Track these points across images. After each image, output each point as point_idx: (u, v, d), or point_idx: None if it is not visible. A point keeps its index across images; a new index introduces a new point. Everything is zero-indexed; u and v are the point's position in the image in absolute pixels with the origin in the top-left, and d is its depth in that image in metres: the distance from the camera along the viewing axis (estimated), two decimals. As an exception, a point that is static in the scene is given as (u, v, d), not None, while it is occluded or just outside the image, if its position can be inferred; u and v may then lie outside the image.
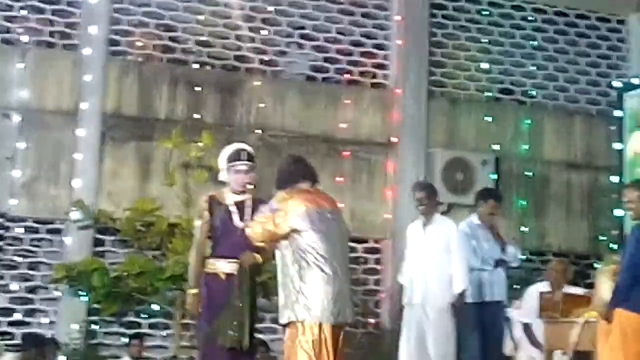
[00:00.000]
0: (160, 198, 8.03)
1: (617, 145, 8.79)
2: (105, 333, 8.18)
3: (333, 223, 4.66)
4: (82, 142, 8.28)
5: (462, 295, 6.31)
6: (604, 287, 5.69)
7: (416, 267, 6.35)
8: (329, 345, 4.49)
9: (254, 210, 5.06)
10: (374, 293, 8.95)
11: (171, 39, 8.84)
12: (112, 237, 8.24)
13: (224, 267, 5.01)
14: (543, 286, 6.87)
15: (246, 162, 5.18)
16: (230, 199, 5.18)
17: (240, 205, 5.15)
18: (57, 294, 8.08)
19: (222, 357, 4.86)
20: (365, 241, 9.03)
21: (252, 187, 5.21)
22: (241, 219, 5.09)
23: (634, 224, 5.53)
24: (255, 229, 4.68)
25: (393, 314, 8.61)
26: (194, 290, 5.06)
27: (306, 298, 4.48)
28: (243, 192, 5.19)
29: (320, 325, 4.48)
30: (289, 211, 4.57)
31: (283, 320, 4.60)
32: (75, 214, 8.00)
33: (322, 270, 4.51)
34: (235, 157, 5.22)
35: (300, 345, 4.47)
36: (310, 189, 4.76)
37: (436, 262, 6.32)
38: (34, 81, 8.30)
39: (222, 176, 5.28)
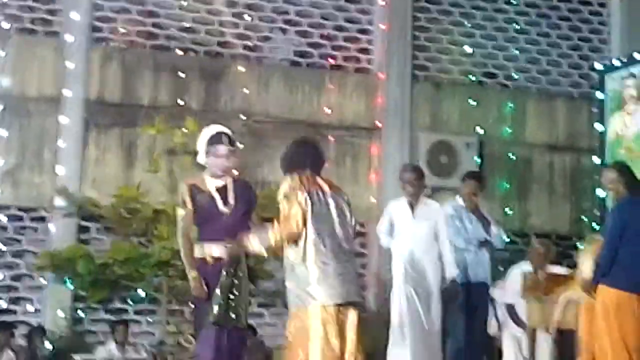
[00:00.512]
0: (144, 184, 8.02)
1: (598, 127, 8.85)
2: (91, 320, 8.19)
3: (333, 207, 4.71)
4: (66, 129, 8.25)
5: (454, 281, 6.35)
6: (587, 266, 5.76)
7: (405, 249, 6.38)
8: (333, 325, 4.52)
9: (237, 193, 5.03)
10: (359, 276, 8.97)
11: (154, 25, 8.81)
12: (97, 224, 8.23)
13: (211, 251, 4.92)
14: (526, 267, 6.93)
15: (227, 147, 5.04)
16: (211, 184, 5.05)
17: (222, 190, 5.04)
18: (42, 281, 8.07)
19: (218, 337, 4.81)
20: (351, 225, 9.05)
21: (236, 173, 5.17)
22: (225, 203, 5.01)
23: (614, 203, 5.60)
24: (277, 236, 4.59)
25: (379, 296, 8.66)
26: (194, 273, 4.90)
27: (310, 282, 4.55)
28: (223, 176, 5.06)
29: (325, 307, 4.52)
30: (301, 205, 4.60)
31: (292, 308, 4.65)
32: (59, 202, 7.98)
33: (323, 254, 4.58)
34: (216, 140, 5.05)
35: (309, 329, 4.52)
36: (312, 175, 4.75)
37: (425, 245, 6.35)
38: (16, 68, 8.26)
39: (201, 159, 5.14)
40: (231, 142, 5.09)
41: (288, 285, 4.67)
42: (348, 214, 4.80)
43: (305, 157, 4.83)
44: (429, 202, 6.52)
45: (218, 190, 5.04)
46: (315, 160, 4.86)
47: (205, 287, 4.87)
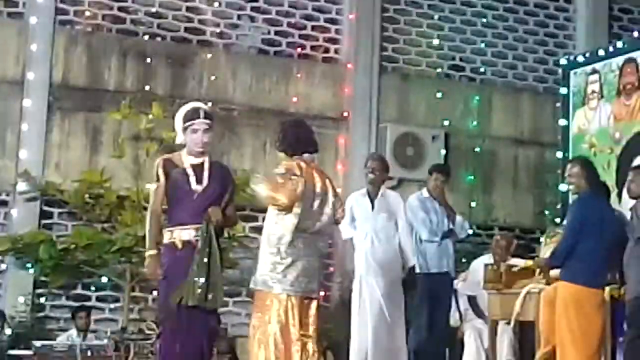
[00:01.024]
0: (109, 170, 7.96)
1: (562, 122, 8.96)
2: (53, 306, 8.11)
3: (317, 203, 4.93)
4: (29, 113, 8.14)
5: (412, 269, 6.44)
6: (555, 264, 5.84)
7: (366, 241, 6.42)
8: (295, 315, 4.80)
9: (212, 173, 4.84)
10: (323, 266, 9.01)
11: (121, 9, 8.71)
12: (60, 209, 8.14)
13: (180, 234, 4.72)
14: (488, 259, 7.01)
15: (204, 121, 4.85)
16: (187, 161, 4.85)
17: (197, 169, 4.83)
18: (2, 266, 7.97)
19: (182, 319, 4.64)
20: (316, 215, 9.07)
21: (207, 148, 4.89)
22: (198, 182, 4.79)
23: (574, 198, 5.69)
24: (281, 191, 4.78)
25: (343, 286, 8.70)
26: (151, 252, 4.74)
27: (281, 270, 4.80)
28: (201, 154, 4.87)
29: (288, 297, 4.81)
30: (298, 185, 4.80)
31: (255, 285, 4.88)
32: (21, 186, 7.88)
33: (298, 248, 4.83)
34: (192, 115, 4.87)
35: (269, 314, 4.78)
36: (310, 163, 4.98)
37: (385, 236, 6.41)
38: (-21, 50, 8.12)
39: (179, 138, 4.95)
40: (207, 116, 4.90)
41: (259, 265, 4.88)
42: (329, 211, 4.97)
43: (301, 140, 5.00)
44: (388, 192, 6.58)
45: (193, 167, 4.84)
46: (311, 142, 5.05)
47: (159, 270, 4.72)
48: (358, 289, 6.40)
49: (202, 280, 4.61)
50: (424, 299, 6.52)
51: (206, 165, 4.87)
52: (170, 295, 4.67)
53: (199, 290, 4.60)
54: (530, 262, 6.34)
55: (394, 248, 6.42)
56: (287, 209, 4.82)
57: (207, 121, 4.88)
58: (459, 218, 6.79)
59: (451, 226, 6.70)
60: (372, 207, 6.45)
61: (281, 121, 5.36)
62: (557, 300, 5.51)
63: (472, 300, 7.12)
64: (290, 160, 4.97)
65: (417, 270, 6.54)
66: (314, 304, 4.94)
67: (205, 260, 4.62)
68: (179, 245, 4.73)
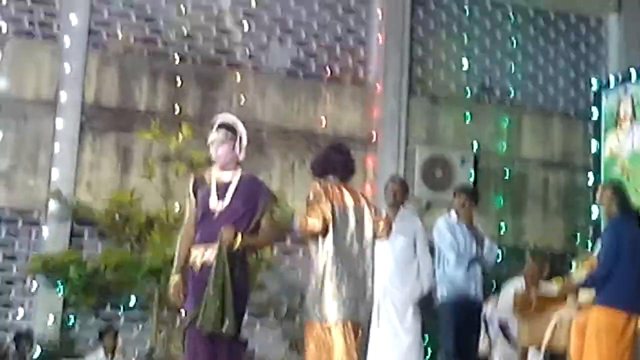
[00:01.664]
0: (139, 190, 8.00)
1: (594, 145, 8.86)
2: (81, 326, 8.14)
3: (353, 223, 4.78)
4: (61, 133, 8.24)
5: (430, 294, 6.36)
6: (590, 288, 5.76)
7: (384, 265, 6.36)
8: (340, 343, 4.65)
9: (238, 190, 4.58)
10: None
11: (152, 31, 8.80)
12: (90, 229, 8.20)
13: (198, 255, 4.56)
14: (519, 283, 6.92)
15: (215, 133, 4.62)
16: (213, 178, 4.62)
17: (222, 185, 4.58)
18: (33, 285, 8.03)
19: (203, 345, 4.48)
20: (344, 236, 9.04)
21: (226, 161, 4.63)
22: (220, 199, 4.54)
23: (606, 221, 5.63)
24: (311, 218, 4.65)
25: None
26: (176, 277, 4.58)
27: (324, 298, 4.67)
28: (227, 168, 4.62)
29: (334, 325, 4.66)
30: (324, 211, 4.69)
31: (307, 317, 4.77)
32: (52, 205, 7.95)
33: (338, 274, 4.69)
34: (211, 128, 4.70)
35: (313, 343, 4.67)
36: (338, 184, 4.82)
37: (403, 259, 6.35)
38: (13, 71, 8.25)
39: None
40: (222, 127, 4.66)
41: (307, 296, 4.80)
42: (366, 231, 4.83)
43: (336, 164, 4.87)
44: (406, 215, 6.50)
45: (219, 184, 4.60)
46: (345, 168, 4.91)
47: (181, 295, 4.57)
48: (376, 313, 6.32)
49: (217, 304, 4.42)
50: (452, 324, 6.42)
51: (234, 181, 4.61)
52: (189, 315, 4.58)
53: (213, 316, 4.42)
54: (560, 281, 6.25)
55: (413, 272, 6.34)
56: (322, 232, 4.70)
57: (219, 133, 4.65)
58: (487, 241, 6.70)
59: (480, 251, 6.62)
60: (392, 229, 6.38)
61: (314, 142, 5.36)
62: (588, 325, 5.43)
63: (503, 325, 7.02)
64: (316, 182, 4.87)
65: (445, 294, 6.45)
66: (360, 329, 4.73)
67: (220, 283, 4.43)
68: (197, 267, 4.57)
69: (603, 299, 5.38)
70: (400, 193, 6.47)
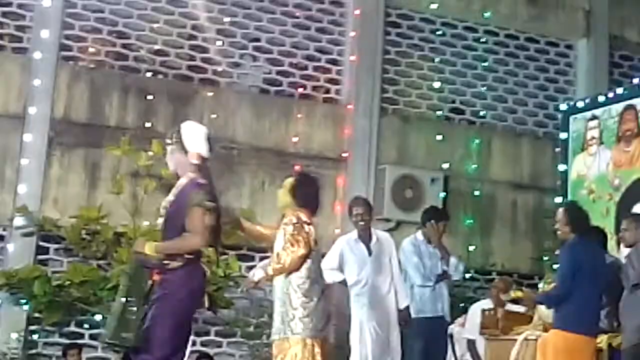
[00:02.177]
0: (107, 206, 7.93)
1: (561, 167, 8.95)
2: (45, 343, 8.03)
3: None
4: (29, 147, 8.15)
5: (406, 310, 6.41)
6: (545, 306, 5.80)
7: (365, 287, 6.38)
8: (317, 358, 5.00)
9: (176, 195, 4.52)
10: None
11: (124, 46, 8.77)
12: (56, 245, 8.11)
13: None
14: (486, 304, 6.96)
15: (166, 142, 4.67)
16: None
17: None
18: (-4, 301, 7.91)
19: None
20: (314, 255, 9.03)
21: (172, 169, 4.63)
22: (165, 207, 4.55)
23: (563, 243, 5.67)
24: (289, 260, 5.06)
25: (339, 329, 8.61)
26: None
27: (302, 314, 5.03)
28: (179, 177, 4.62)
29: (304, 340, 5.02)
30: (310, 236, 5.12)
31: (275, 336, 5.10)
32: (18, 220, 7.86)
33: (311, 291, 5.08)
34: None
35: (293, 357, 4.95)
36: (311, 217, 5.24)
37: (383, 278, 6.37)
38: (-19, 84, 8.16)
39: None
40: (170, 136, 4.66)
41: (278, 317, 5.13)
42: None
43: (314, 197, 5.33)
44: (380, 235, 6.56)
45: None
46: (318, 199, 5.38)
47: None
48: (358, 335, 6.33)
49: (114, 316, 4.42)
50: (419, 343, 6.45)
51: (179, 185, 4.57)
52: None
53: (112, 326, 4.41)
54: (520, 292, 6.31)
55: (392, 291, 6.40)
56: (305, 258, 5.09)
57: (167, 142, 4.68)
58: (453, 260, 6.75)
59: (445, 268, 6.67)
60: (369, 253, 6.41)
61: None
62: (547, 348, 5.45)
63: (470, 345, 7.04)
64: (301, 214, 5.22)
65: (412, 314, 6.49)
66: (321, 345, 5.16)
67: (122, 295, 4.42)
68: None
69: (561, 323, 5.40)
70: (368, 214, 6.51)
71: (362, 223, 6.45)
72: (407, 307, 6.47)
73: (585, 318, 5.35)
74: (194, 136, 4.64)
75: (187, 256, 4.43)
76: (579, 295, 5.33)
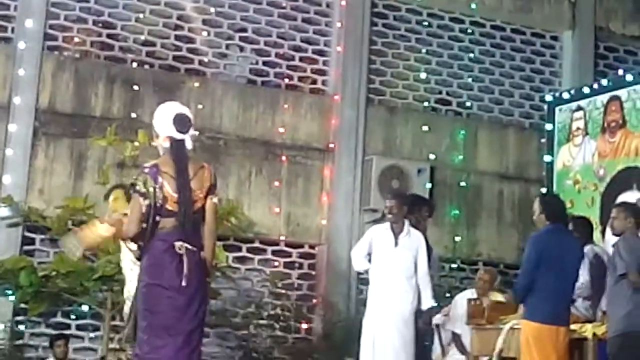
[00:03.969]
0: (93, 197, 7.88)
1: (547, 158, 9.00)
2: (32, 334, 8.01)
3: None
4: (14, 138, 8.11)
5: (429, 311, 6.40)
6: (513, 300, 5.84)
7: (386, 276, 6.36)
8: None
9: None
10: (307, 298, 8.97)
11: (110, 36, 8.72)
12: (42, 236, 8.08)
13: None
14: (471, 294, 6.99)
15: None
16: None
17: None
18: (-18, 292, 7.87)
19: None
20: (301, 246, 9.05)
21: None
22: None
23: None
24: None
25: (326, 319, 8.64)
26: None
27: None
28: None
29: None
30: None
31: None
32: (3, 211, 7.81)
33: None
34: None
35: None
36: None
37: (405, 273, 6.36)
38: (-35, 73, 8.10)
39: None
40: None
41: None
42: None
43: None
44: (412, 231, 6.49)
45: None
46: None
47: None
48: (371, 322, 6.32)
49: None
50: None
51: None
52: None
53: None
54: (501, 297, 6.34)
55: (412, 286, 6.36)
56: None
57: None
58: (434, 254, 6.77)
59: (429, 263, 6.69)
60: (396, 244, 6.40)
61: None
62: (520, 339, 5.47)
63: (454, 336, 7.08)
64: None
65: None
66: None
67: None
68: None
69: (529, 314, 5.38)
70: (398, 208, 6.45)
71: (390, 216, 6.44)
72: (431, 309, 6.41)
73: (551, 308, 5.30)
74: (162, 118, 4.59)
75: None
76: (544, 285, 5.28)
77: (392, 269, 6.32)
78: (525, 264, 5.45)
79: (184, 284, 4.31)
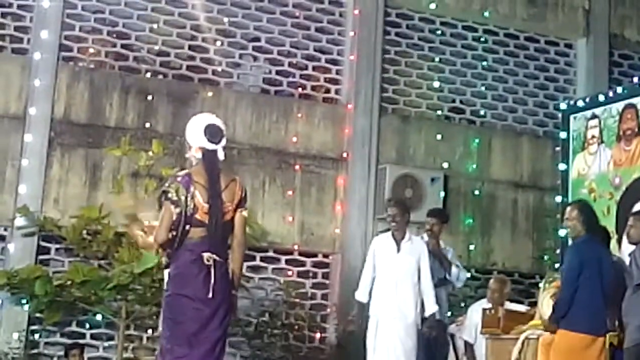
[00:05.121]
0: (107, 206, 7.93)
1: (562, 166, 8.96)
2: (47, 343, 8.03)
3: None
4: (30, 148, 8.16)
5: (432, 317, 6.38)
6: (546, 305, 5.80)
7: (388, 283, 6.36)
8: None
9: None
10: (321, 307, 8.96)
11: (124, 46, 8.77)
12: (57, 245, 8.11)
13: None
14: (485, 303, 6.95)
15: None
16: None
17: None
18: (-2, 301, 7.92)
19: None
20: (314, 255, 9.04)
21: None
22: None
23: (571, 241, 5.66)
24: None
25: (340, 328, 8.62)
26: None
27: None
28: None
29: None
30: None
31: None
32: (19, 221, 7.86)
33: None
34: None
35: None
36: None
37: (407, 280, 6.36)
38: (-19, 85, 8.16)
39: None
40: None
41: None
42: None
43: None
44: (414, 238, 6.53)
45: None
46: None
47: None
48: (374, 330, 6.33)
49: None
50: (420, 345, 6.44)
51: None
52: None
53: None
54: (528, 308, 6.29)
55: (415, 293, 6.36)
56: None
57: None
58: (454, 270, 6.76)
59: (447, 276, 6.68)
60: (398, 250, 6.41)
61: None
62: (556, 347, 5.44)
63: (467, 347, 7.03)
64: None
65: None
66: None
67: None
68: None
69: (566, 323, 5.37)
70: (400, 215, 6.49)
71: (393, 224, 6.47)
72: (434, 315, 6.41)
73: (591, 317, 5.33)
74: (194, 129, 4.65)
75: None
76: (584, 295, 5.31)
77: (395, 274, 6.34)
78: (567, 273, 5.44)
79: (210, 295, 4.33)
